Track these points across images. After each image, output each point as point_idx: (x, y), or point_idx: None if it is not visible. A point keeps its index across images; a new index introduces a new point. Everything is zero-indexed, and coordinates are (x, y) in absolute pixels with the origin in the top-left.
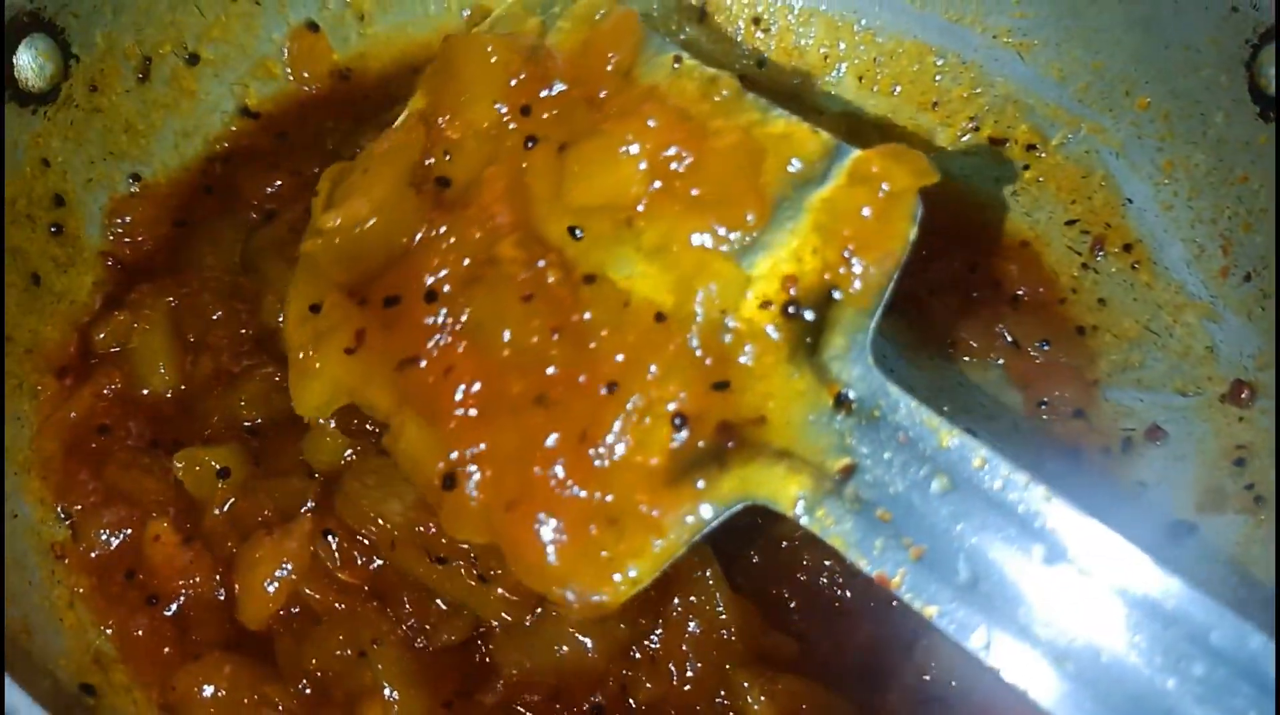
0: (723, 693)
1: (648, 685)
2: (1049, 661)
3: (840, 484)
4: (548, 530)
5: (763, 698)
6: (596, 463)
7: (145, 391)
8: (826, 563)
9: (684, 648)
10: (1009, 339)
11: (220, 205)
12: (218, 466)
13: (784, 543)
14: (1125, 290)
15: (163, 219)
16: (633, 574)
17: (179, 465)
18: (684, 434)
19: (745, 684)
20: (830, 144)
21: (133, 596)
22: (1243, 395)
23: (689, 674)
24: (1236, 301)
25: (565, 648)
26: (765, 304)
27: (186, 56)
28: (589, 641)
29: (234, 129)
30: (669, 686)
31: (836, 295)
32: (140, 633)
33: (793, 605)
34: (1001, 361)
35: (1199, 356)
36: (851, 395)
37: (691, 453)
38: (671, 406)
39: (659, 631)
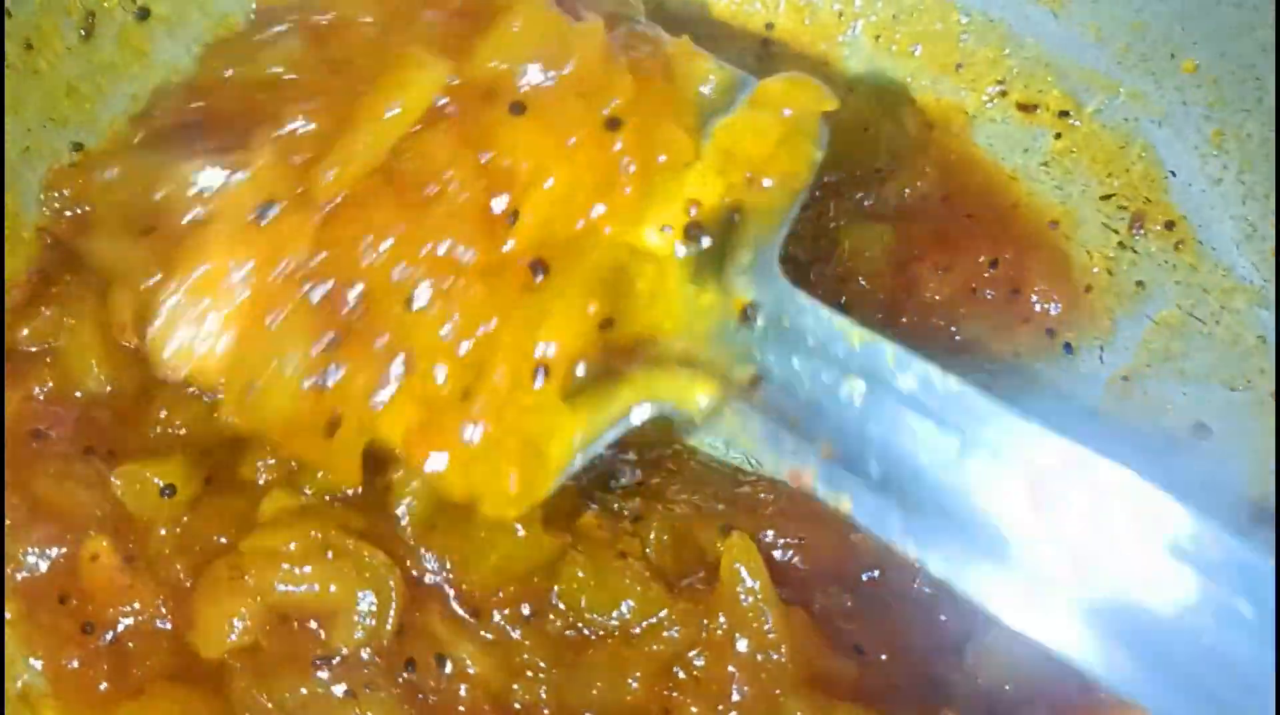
0: None
1: (693, 710)
2: (971, 552)
3: (747, 391)
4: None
5: None
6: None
7: (78, 393)
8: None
9: (730, 669)
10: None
11: None
12: (162, 484)
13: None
14: (1166, 272)
15: None
16: (524, 485)
17: (118, 483)
18: (568, 368)
19: (799, 713)
20: (735, 75)
21: (65, 624)
22: None
23: (736, 698)
24: None
25: (600, 684)
26: (665, 228)
27: (135, 11)
28: (631, 680)
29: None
30: (714, 712)
31: (735, 218)
32: (74, 664)
33: (849, 608)
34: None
35: (1249, 347)
36: (758, 307)
37: (577, 379)
38: (549, 348)
39: (704, 651)
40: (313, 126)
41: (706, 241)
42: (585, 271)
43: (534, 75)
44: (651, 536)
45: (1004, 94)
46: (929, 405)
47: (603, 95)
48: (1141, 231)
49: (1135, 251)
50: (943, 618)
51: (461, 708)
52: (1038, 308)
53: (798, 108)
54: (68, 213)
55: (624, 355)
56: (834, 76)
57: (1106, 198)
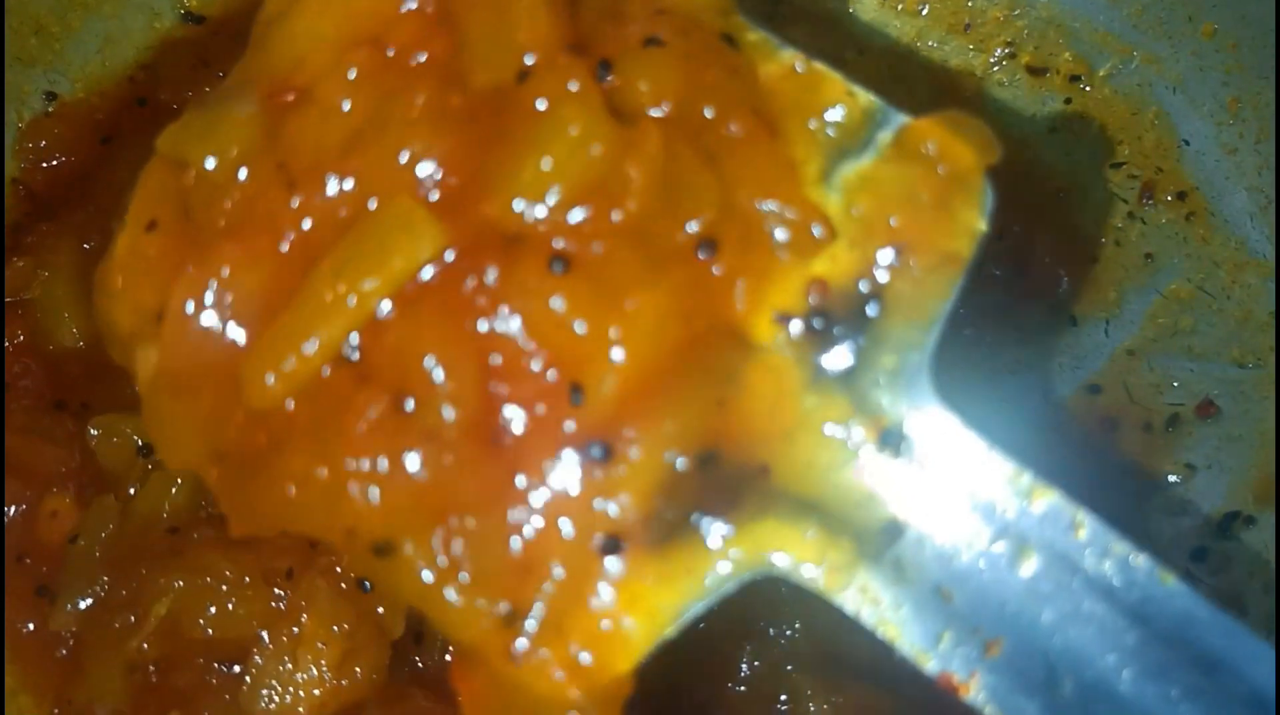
0: (784, 697)
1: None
2: None
3: (884, 546)
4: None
5: (826, 706)
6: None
7: (50, 347)
8: None
9: (744, 644)
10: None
11: (154, 119)
12: (140, 442)
13: None
14: (1177, 244)
15: (85, 137)
16: (599, 663)
17: (94, 432)
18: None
19: (809, 691)
20: (872, 106)
21: (22, 585)
22: None
23: (745, 673)
24: None
25: None
26: (782, 317)
27: None
28: None
29: (173, 35)
30: (723, 687)
31: (872, 311)
32: (30, 627)
33: None
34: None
35: (1261, 322)
36: (902, 432)
37: (683, 496)
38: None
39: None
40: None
41: (834, 337)
42: (671, 422)
43: (577, 215)
44: None
45: (1013, 56)
46: (1127, 599)
47: (678, 218)
48: (1152, 201)
49: (1145, 222)
50: None
51: None
52: (1044, 281)
53: (958, 161)
54: (44, 163)
55: (728, 494)
56: (844, 37)
57: (1116, 166)
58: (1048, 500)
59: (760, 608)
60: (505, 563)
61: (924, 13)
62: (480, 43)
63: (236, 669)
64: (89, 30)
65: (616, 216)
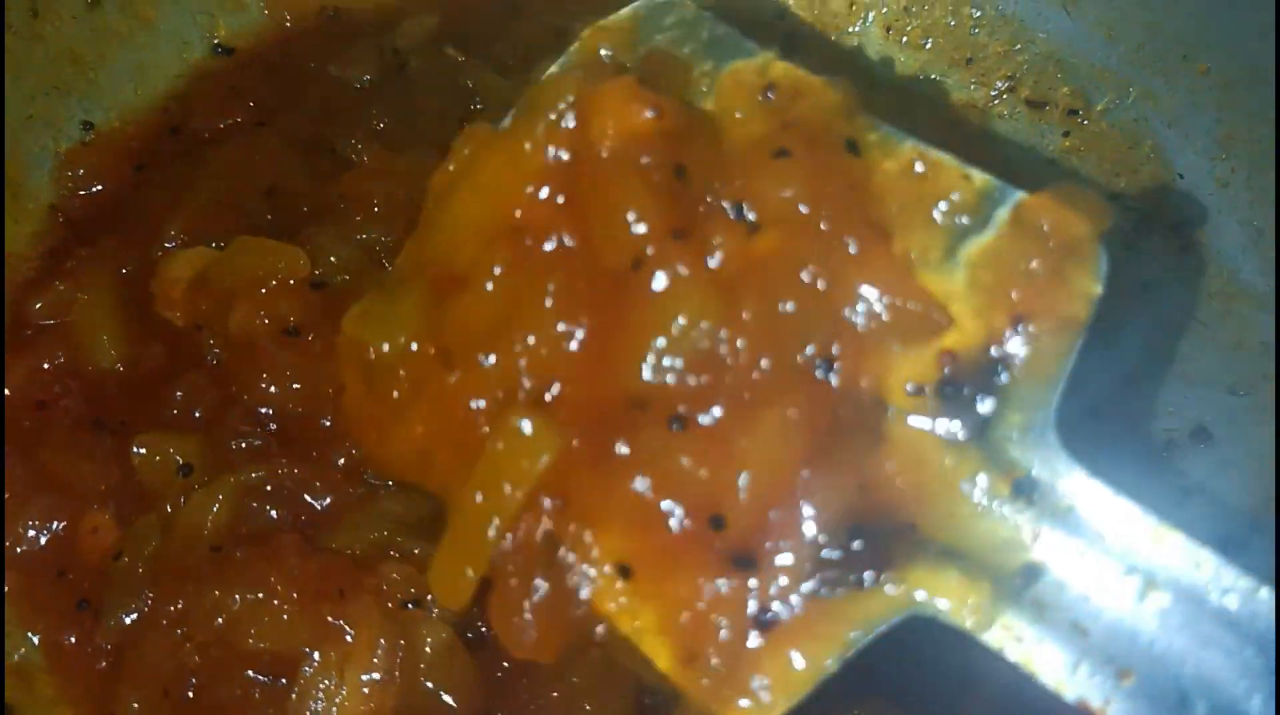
0: None
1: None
2: None
3: (1022, 587)
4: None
5: None
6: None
7: (90, 368)
8: None
9: None
10: None
11: (184, 148)
12: (181, 461)
13: None
14: (1172, 274)
15: (120, 165)
16: (767, 699)
17: (140, 450)
18: (825, 551)
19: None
20: (988, 186)
21: (63, 600)
22: None
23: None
24: None
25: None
26: (916, 389)
27: None
28: None
29: (202, 67)
30: None
31: (1003, 377)
32: (71, 640)
33: None
34: None
35: (1252, 351)
36: (1033, 482)
37: (833, 569)
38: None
39: None
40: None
41: (966, 401)
42: (815, 520)
43: (693, 379)
44: None
45: (1013, 90)
46: (1252, 632)
47: (792, 348)
48: (1148, 232)
49: (1141, 252)
50: None
51: None
52: None
53: (1072, 230)
54: (81, 192)
55: (877, 554)
56: (856, 73)
57: (1113, 198)
58: (1171, 540)
59: None
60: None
61: (927, 46)
62: (598, 234)
63: (283, 682)
64: (122, 60)
65: (730, 366)
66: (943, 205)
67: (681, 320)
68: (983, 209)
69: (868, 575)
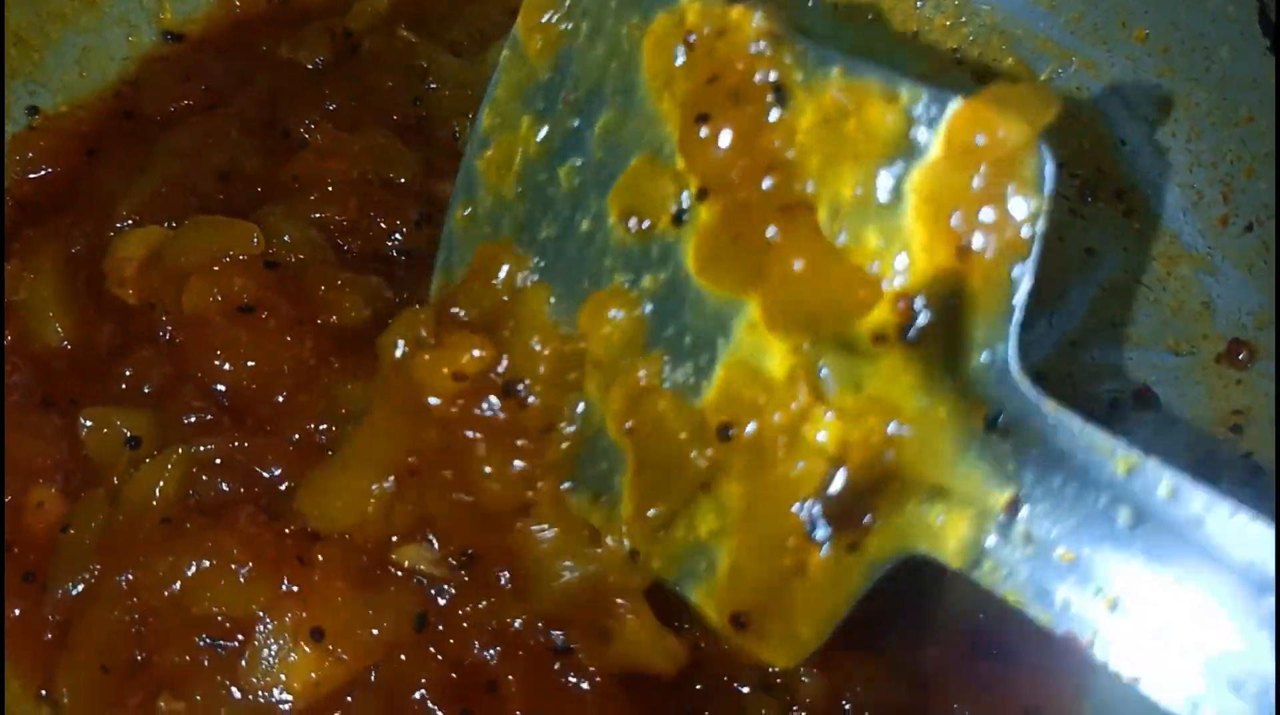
0: None
1: (701, 646)
2: None
3: (1007, 522)
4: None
5: (815, 671)
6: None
7: (37, 347)
8: None
9: None
10: None
11: (137, 131)
12: (128, 434)
13: None
14: (1115, 239)
15: (70, 148)
16: (788, 645)
17: (87, 423)
18: (815, 508)
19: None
20: (918, 100)
21: (9, 573)
22: (1240, 356)
23: None
24: (1236, 253)
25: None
26: (879, 338)
27: None
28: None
29: (155, 52)
30: (716, 647)
31: (956, 309)
32: (17, 613)
33: None
34: None
35: (1193, 312)
36: (1003, 416)
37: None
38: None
39: None
40: None
41: (929, 341)
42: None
43: None
44: None
45: (959, 63)
46: (1226, 554)
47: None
48: (1092, 199)
49: (1085, 218)
50: None
51: None
52: None
53: (1007, 140)
54: (31, 174)
55: (865, 503)
56: None
57: (1059, 166)
58: (1152, 470)
59: None
60: None
61: (871, 19)
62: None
63: (237, 642)
64: (67, 43)
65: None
66: (873, 143)
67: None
68: (918, 131)
69: (864, 525)
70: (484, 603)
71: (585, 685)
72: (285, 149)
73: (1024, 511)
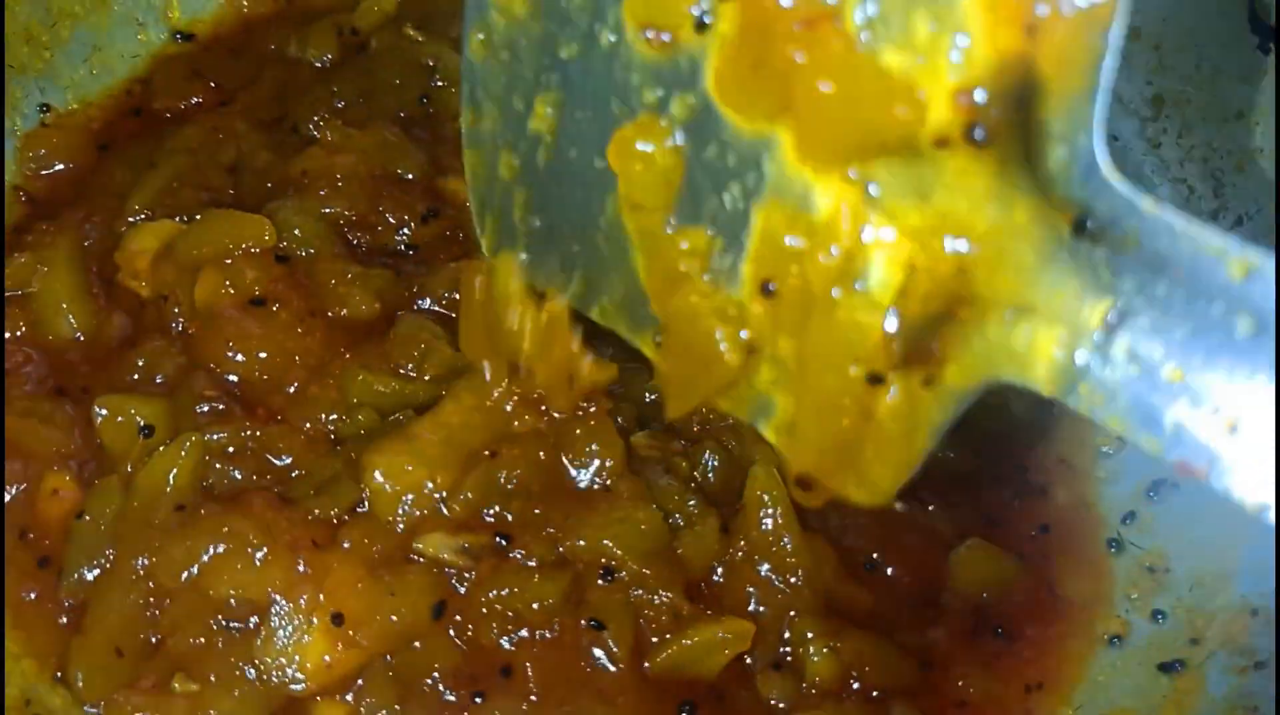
0: (786, 635)
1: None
2: None
3: (1105, 339)
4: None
5: (825, 650)
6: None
7: (50, 337)
8: None
9: (749, 589)
10: None
11: (148, 128)
12: (142, 422)
13: None
14: None
15: (83, 145)
16: (866, 492)
17: (102, 412)
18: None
19: (809, 634)
20: None
21: (25, 559)
22: None
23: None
24: None
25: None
26: (941, 143)
27: None
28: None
29: (165, 50)
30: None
31: (1027, 99)
32: (32, 597)
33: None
34: None
35: None
36: (1092, 218)
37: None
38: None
39: (726, 570)
40: None
41: (999, 139)
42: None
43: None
44: (704, 458)
45: None
46: None
47: None
48: None
49: None
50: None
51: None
52: None
53: None
54: (44, 171)
55: (945, 309)
56: None
57: None
58: (1252, 266)
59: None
60: None
61: None
62: None
63: (252, 624)
64: (77, 41)
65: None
66: None
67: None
68: None
69: (937, 353)
70: (506, 590)
71: (612, 668)
72: (294, 145)
73: (1123, 326)
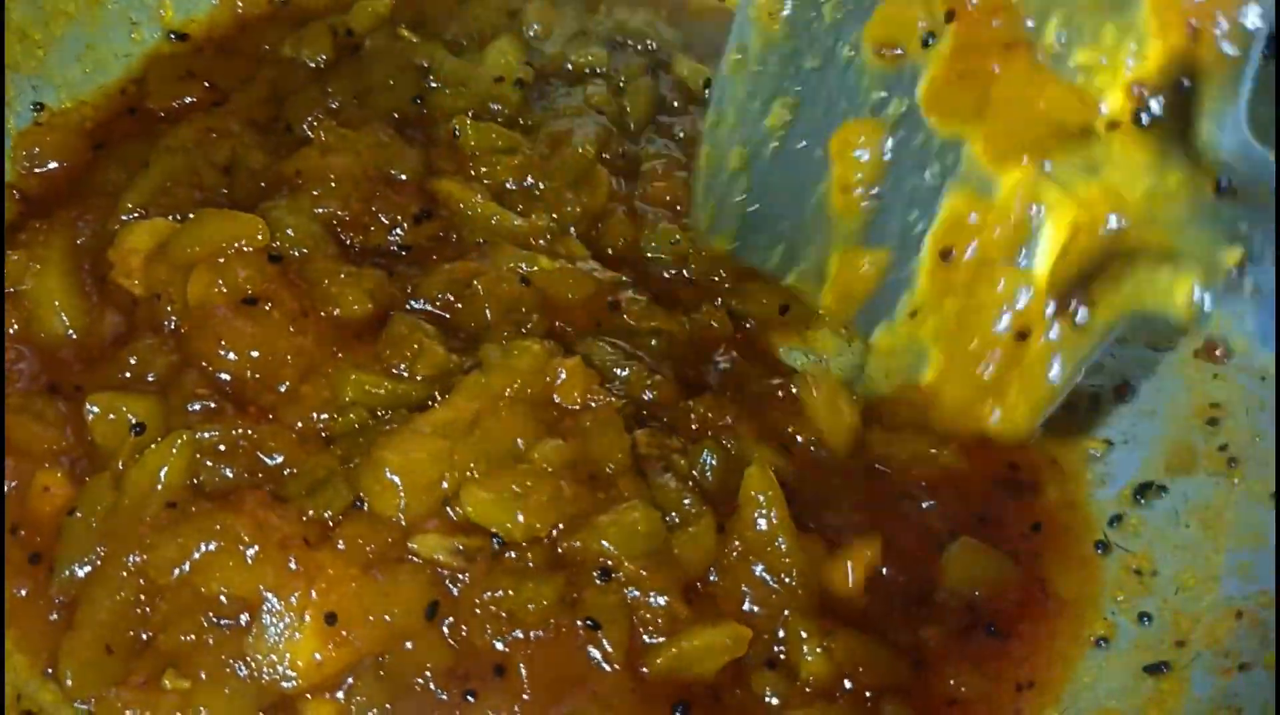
0: (781, 634)
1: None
2: None
3: (1237, 279)
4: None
5: (819, 650)
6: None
7: (43, 334)
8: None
9: (744, 588)
10: None
11: (142, 127)
12: (134, 420)
13: None
14: None
15: (77, 144)
16: (1019, 411)
17: (94, 410)
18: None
19: (804, 633)
20: None
21: (15, 555)
22: (1217, 351)
23: (745, 618)
24: None
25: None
26: (1112, 126)
27: None
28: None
29: (160, 50)
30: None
31: (1187, 86)
32: (23, 593)
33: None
34: None
35: None
36: (1232, 179)
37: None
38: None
39: (720, 570)
40: None
41: (1163, 119)
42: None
43: None
44: (702, 457)
45: None
46: None
47: None
48: None
49: None
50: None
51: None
52: None
53: None
54: (39, 169)
55: (1099, 261)
56: None
57: None
58: None
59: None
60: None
61: None
62: None
63: (243, 621)
64: (71, 40)
65: None
66: None
67: None
68: None
69: (1095, 287)
70: (501, 592)
71: (607, 669)
72: (288, 145)
73: (1252, 266)
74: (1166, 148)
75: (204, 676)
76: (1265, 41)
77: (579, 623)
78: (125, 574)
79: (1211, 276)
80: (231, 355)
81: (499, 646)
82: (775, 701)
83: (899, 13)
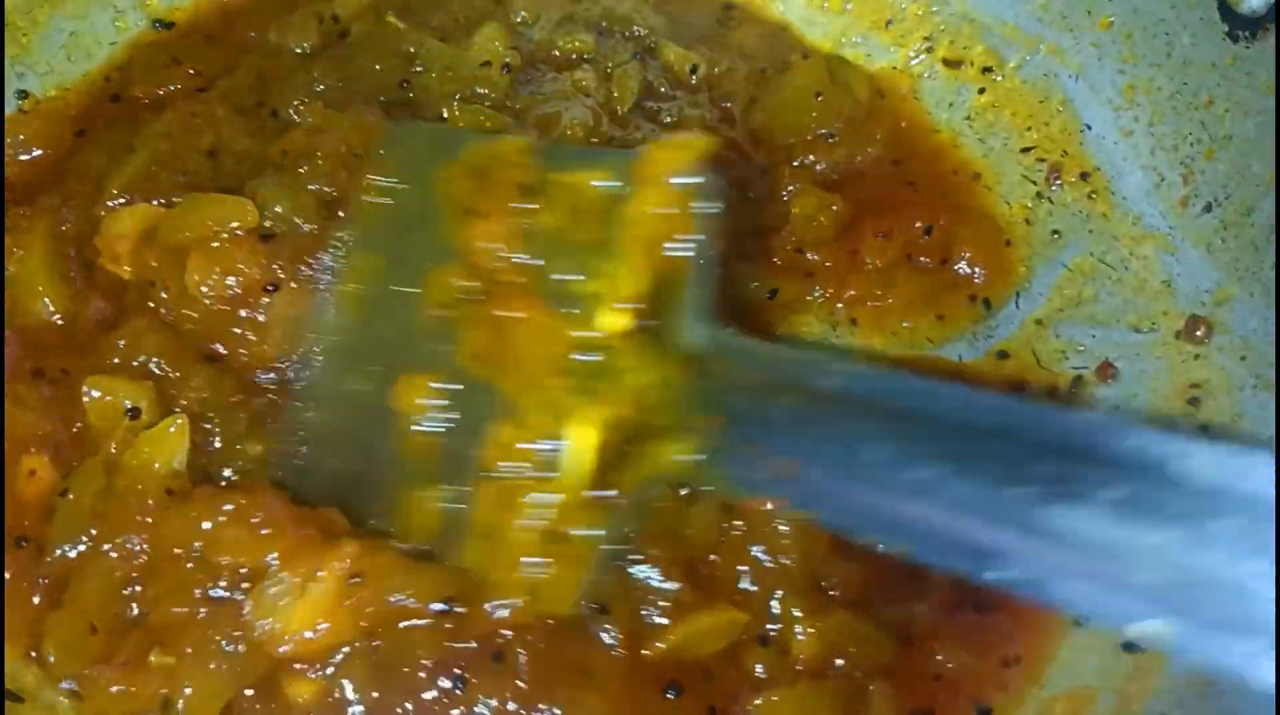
0: (776, 610)
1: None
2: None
3: (721, 438)
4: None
5: (811, 630)
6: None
7: (28, 320)
8: None
9: (740, 567)
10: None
11: (126, 113)
12: (130, 405)
13: None
14: (1080, 221)
15: (60, 131)
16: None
17: (92, 392)
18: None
19: (796, 614)
20: (612, 161)
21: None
22: (1198, 331)
23: (739, 597)
24: (1195, 233)
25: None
26: (622, 336)
27: None
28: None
29: (143, 38)
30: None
31: (661, 292)
32: (7, 576)
33: None
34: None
35: (1155, 291)
36: (706, 361)
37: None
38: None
39: (720, 550)
40: None
41: (649, 325)
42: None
43: None
44: None
45: (931, 50)
46: (862, 404)
47: None
48: (1058, 182)
49: (1052, 202)
50: None
51: None
52: (964, 273)
53: (679, 168)
54: (22, 156)
55: (621, 448)
56: (790, 41)
57: (1026, 150)
58: (788, 353)
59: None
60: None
61: (848, 9)
62: None
63: (236, 595)
64: (54, 27)
65: None
66: (593, 201)
67: None
68: (618, 182)
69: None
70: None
71: (612, 653)
72: (274, 129)
73: (734, 428)
74: (662, 346)
75: (189, 653)
76: (703, 250)
77: (585, 605)
78: (116, 554)
79: (706, 440)
80: (228, 338)
81: (502, 634)
82: (765, 677)
83: (441, 279)
